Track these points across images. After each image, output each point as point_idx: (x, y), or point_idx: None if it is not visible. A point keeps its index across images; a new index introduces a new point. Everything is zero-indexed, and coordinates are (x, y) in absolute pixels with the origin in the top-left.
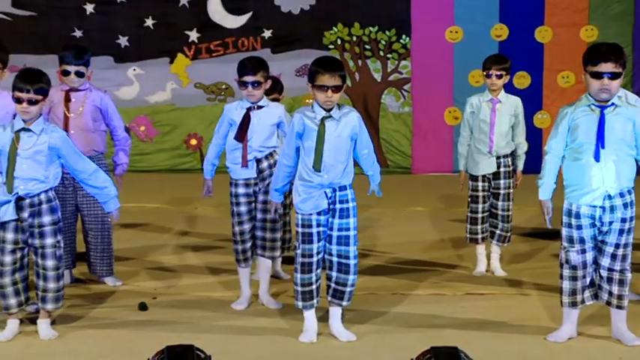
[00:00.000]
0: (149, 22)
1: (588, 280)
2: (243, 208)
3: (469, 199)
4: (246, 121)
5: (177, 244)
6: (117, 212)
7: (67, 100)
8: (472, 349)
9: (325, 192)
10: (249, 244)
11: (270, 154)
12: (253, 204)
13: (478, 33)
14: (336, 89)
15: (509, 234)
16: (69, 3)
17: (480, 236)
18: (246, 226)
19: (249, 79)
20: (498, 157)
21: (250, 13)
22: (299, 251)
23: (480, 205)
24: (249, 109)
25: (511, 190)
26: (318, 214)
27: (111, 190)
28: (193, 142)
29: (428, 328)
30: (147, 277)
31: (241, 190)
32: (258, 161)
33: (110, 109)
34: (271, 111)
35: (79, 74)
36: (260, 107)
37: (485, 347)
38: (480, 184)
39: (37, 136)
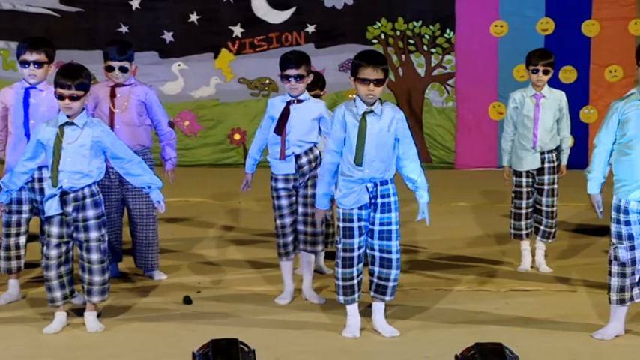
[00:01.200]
0: (194, 17)
1: (637, 277)
2: (283, 202)
3: (513, 195)
4: (285, 114)
5: (221, 239)
6: (163, 204)
7: (113, 95)
8: (517, 345)
9: (367, 186)
10: (290, 238)
11: (310, 149)
12: (294, 197)
13: (523, 27)
14: (379, 83)
15: (553, 230)
16: None
17: (524, 232)
18: (287, 220)
19: (292, 72)
20: (542, 153)
21: (294, 8)
22: (340, 245)
23: (524, 201)
24: (288, 103)
25: (555, 186)
26: (360, 208)
27: (156, 182)
28: (237, 137)
29: (471, 324)
30: (191, 271)
31: (281, 185)
32: (297, 157)
33: (154, 104)
34: (311, 106)
35: (123, 69)
36: (300, 101)
37: (530, 344)
38: (524, 179)
39: (81, 129)
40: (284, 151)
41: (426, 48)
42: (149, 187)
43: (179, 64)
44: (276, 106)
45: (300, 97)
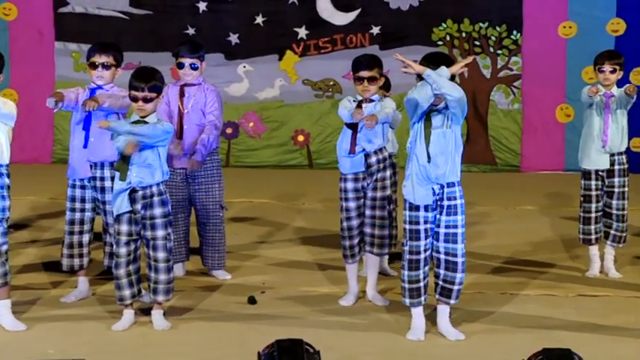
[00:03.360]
0: (259, 19)
1: None
2: (351, 204)
3: (582, 199)
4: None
5: (285, 239)
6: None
7: (182, 95)
8: (585, 352)
9: (433, 188)
10: (356, 240)
11: (380, 149)
12: (362, 200)
13: (593, 28)
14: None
15: (624, 234)
16: (183, 2)
17: (593, 237)
18: (354, 222)
19: (365, 74)
20: (612, 155)
21: (359, 10)
22: (406, 248)
23: (594, 205)
24: (360, 102)
25: (626, 189)
26: (426, 210)
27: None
28: (300, 138)
29: (538, 329)
30: (255, 271)
31: (350, 186)
32: (367, 156)
33: (213, 99)
34: (383, 105)
35: (194, 67)
36: (371, 101)
37: (600, 351)
38: (594, 182)
39: None
40: (354, 145)
41: (492, 49)
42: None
43: (244, 66)
44: (347, 106)
45: (371, 97)
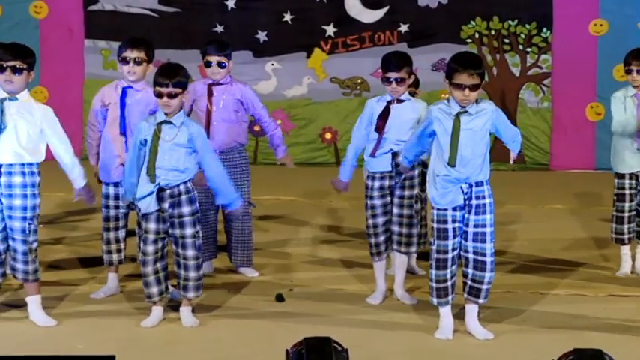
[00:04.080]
0: (287, 17)
1: None
2: (377, 202)
3: (615, 198)
4: (385, 113)
5: (313, 237)
6: (241, 208)
7: (210, 93)
8: (617, 352)
9: (461, 187)
10: (382, 238)
11: None
12: (388, 197)
13: (625, 26)
14: (474, 88)
15: None
16: None
17: (626, 236)
18: (380, 220)
19: (393, 75)
20: None
21: (387, 8)
22: (434, 247)
23: (627, 204)
24: (389, 102)
25: None
26: (454, 210)
27: (232, 191)
28: (328, 136)
29: (568, 329)
30: (283, 268)
31: (376, 184)
32: (395, 155)
33: (252, 99)
34: (412, 106)
35: (221, 65)
36: (401, 101)
37: (631, 351)
38: (627, 181)
39: (178, 128)
40: (377, 147)
41: (521, 47)
42: (229, 205)
43: (272, 64)
44: (375, 107)
45: (401, 97)
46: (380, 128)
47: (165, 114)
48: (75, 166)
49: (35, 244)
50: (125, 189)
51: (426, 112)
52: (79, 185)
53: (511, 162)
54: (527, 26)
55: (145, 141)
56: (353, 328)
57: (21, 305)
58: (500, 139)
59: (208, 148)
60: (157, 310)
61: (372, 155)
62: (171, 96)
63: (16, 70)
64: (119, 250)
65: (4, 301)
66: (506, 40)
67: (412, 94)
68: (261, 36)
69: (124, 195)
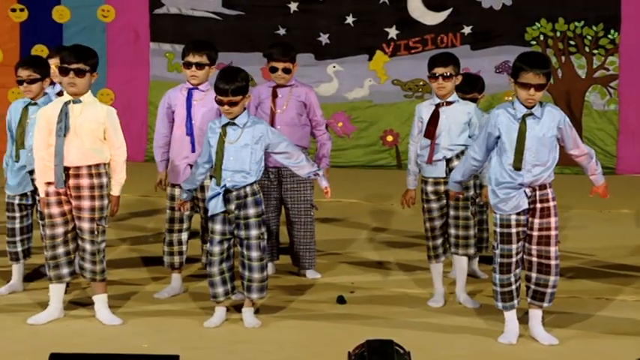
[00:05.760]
0: (349, 19)
1: None
2: (433, 205)
3: None
4: (434, 117)
5: (374, 240)
6: (330, 190)
7: (274, 96)
8: None
9: (525, 191)
10: (440, 241)
11: (462, 152)
12: (444, 200)
13: None
14: (540, 87)
15: None
16: (274, 2)
17: None
18: (437, 223)
19: (439, 70)
20: None
21: (450, 10)
22: (497, 251)
23: None
24: (437, 106)
25: None
26: (518, 213)
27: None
28: (389, 138)
29: (636, 335)
30: (344, 271)
31: (430, 188)
32: (449, 160)
33: (314, 105)
34: (461, 108)
35: (286, 71)
36: (449, 103)
37: None
38: None
39: (242, 129)
40: (432, 154)
41: (587, 49)
42: (315, 175)
43: (334, 66)
44: (424, 111)
45: (449, 99)
46: (431, 134)
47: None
48: (121, 172)
49: (103, 245)
50: (185, 187)
51: (490, 116)
52: (113, 193)
53: (592, 194)
54: (594, 28)
55: (210, 143)
56: (415, 330)
57: (88, 304)
58: (565, 146)
59: (279, 136)
60: (220, 311)
61: (429, 162)
62: (231, 104)
63: (78, 73)
64: (180, 253)
65: (73, 300)
66: (572, 42)
67: (476, 99)
68: (323, 38)
69: (181, 194)
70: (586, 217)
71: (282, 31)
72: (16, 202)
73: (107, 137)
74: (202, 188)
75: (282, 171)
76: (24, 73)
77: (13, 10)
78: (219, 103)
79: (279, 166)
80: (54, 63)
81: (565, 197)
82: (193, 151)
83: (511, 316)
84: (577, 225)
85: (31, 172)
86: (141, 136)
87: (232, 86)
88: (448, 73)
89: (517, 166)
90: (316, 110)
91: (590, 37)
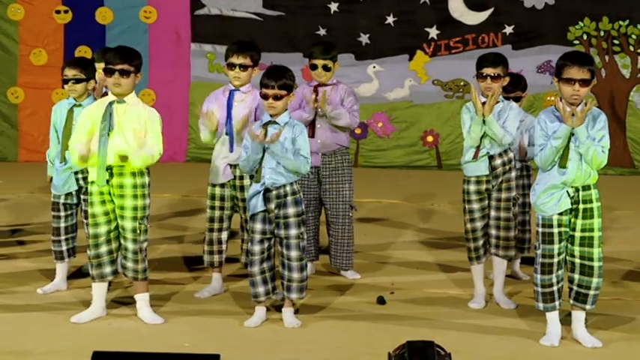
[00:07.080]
0: (390, 19)
1: None
2: (475, 206)
3: None
4: None
5: (414, 240)
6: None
7: (316, 95)
8: None
9: (568, 191)
10: (481, 242)
11: (505, 151)
12: (486, 201)
13: None
14: (584, 83)
15: None
16: (315, 2)
17: None
18: (479, 224)
19: (488, 70)
20: None
21: (492, 9)
22: (539, 251)
23: None
24: (483, 104)
25: None
26: (560, 214)
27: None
28: (430, 139)
29: None
30: (384, 271)
31: (472, 188)
32: (491, 158)
33: (349, 100)
34: (505, 108)
35: (326, 68)
36: (496, 102)
37: None
38: None
39: (282, 128)
40: (478, 151)
41: (632, 48)
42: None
43: (374, 66)
44: (472, 110)
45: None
46: None
47: (271, 115)
48: (144, 150)
49: (145, 244)
50: (244, 165)
51: (538, 123)
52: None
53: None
54: (639, 26)
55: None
56: (455, 332)
57: (130, 303)
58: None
59: (304, 148)
60: (261, 311)
61: (474, 157)
62: (276, 98)
63: (123, 73)
64: (220, 252)
65: (115, 298)
66: (616, 41)
67: (519, 98)
68: (364, 39)
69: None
70: (631, 218)
71: (322, 32)
72: (62, 201)
73: (145, 137)
74: (242, 188)
75: (320, 171)
76: (70, 73)
77: (58, 12)
78: (264, 97)
79: (318, 166)
80: (100, 67)
81: (609, 198)
82: (231, 150)
83: (553, 318)
84: (621, 226)
85: (76, 172)
86: (181, 136)
87: (280, 81)
88: (497, 74)
89: (563, 165)
90: (351, 106)
91: (634, 36)
